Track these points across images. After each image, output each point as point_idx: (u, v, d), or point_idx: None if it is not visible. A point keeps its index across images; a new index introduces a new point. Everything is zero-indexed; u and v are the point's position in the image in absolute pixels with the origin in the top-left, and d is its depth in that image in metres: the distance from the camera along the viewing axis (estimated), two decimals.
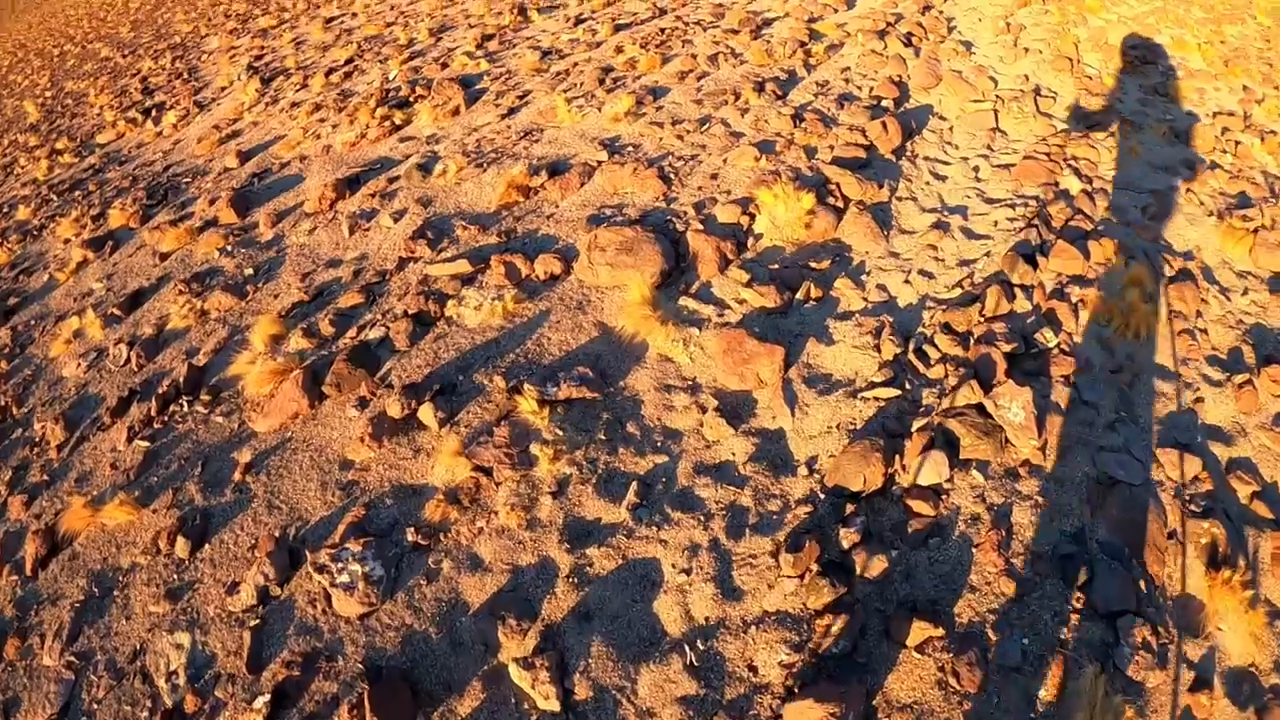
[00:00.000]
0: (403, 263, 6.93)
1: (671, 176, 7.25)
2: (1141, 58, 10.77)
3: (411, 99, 10.49)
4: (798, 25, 10.68)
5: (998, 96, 8.89)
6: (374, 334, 6.03)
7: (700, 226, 6.45)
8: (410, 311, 6.12)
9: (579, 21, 12.25)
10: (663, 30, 11.04)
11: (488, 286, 6.22)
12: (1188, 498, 4.55)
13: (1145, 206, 7.32)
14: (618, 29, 11.49)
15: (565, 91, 9.55)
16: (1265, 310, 6.39)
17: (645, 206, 6.99)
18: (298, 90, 12.47)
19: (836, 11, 11.52)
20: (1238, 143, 9.16)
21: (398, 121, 9.87)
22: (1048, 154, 7.68)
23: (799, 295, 5.83)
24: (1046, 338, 5.53)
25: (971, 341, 5.42)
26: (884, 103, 8.58)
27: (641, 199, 7.11)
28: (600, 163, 7.69)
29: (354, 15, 16.74)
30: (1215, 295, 6.42)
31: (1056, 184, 7.26)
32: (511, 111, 9.46)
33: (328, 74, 12.48)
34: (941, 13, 11.71)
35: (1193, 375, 5.54)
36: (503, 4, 13.91)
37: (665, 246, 6.17)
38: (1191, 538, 4.33)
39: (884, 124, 7.72)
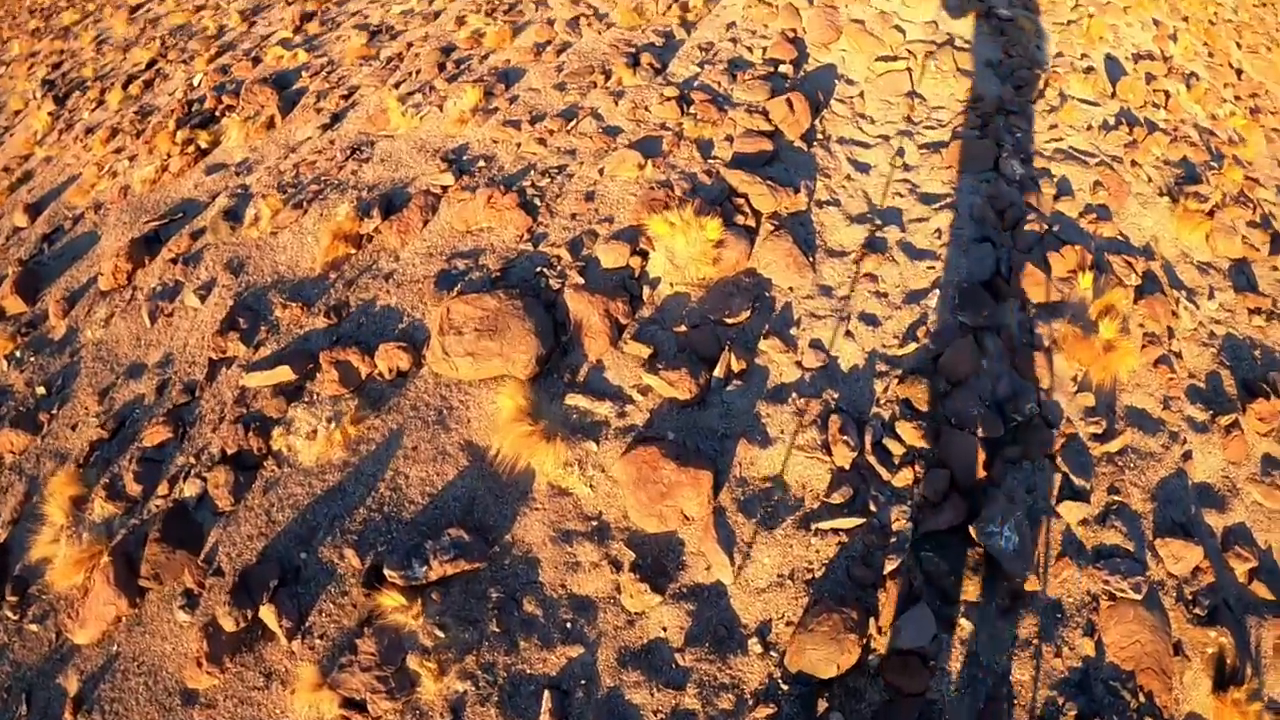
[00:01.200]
0: (214, 367, 5.37)
1: (536, 203, 5.84)
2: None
3: (218, 112, 8.49)
4: None
5: (909, 51, 7.84)
6: (190, 489, 4.68)
7: (580, 279, 5.13)
8: (229, 451, 4.66)
9: None
10: None
11: (320, 400, 4.77)
12: (1190, 598, 4.06)
13: (1095, 184, 6.42)
14: None
15: (398, 85, 7.85)
16: (1234, 315, 5.89)
17: (507, 251, 5.58)
18: (94, 109, 10.10)
19: None
20: (1166, 93, 8.47)
21: (203, 145, 7.94)
22: (980, 126, 6.65)
23: (717, 372, 4.66)
24: (1027, 413, 4.58)
25: (940, 422, 4.38)
26: (782, 68, 7.38)
27: (502, 238, 5.69)
28: (446, 189, 6.18)
29: (161, 0, 13.91)
30: (1184, 304, 5.82)
31: (997, 167, 6.27)
32: (335, 119, 7.69)
33: (126, 84, 10.14)
34: None
35: (1177, 422, 4.95)
36: None
37: (539, 318, 4.84)
38: (1196, 648, 3.89)
39: (788, 101, 6.53)
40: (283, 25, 10.21)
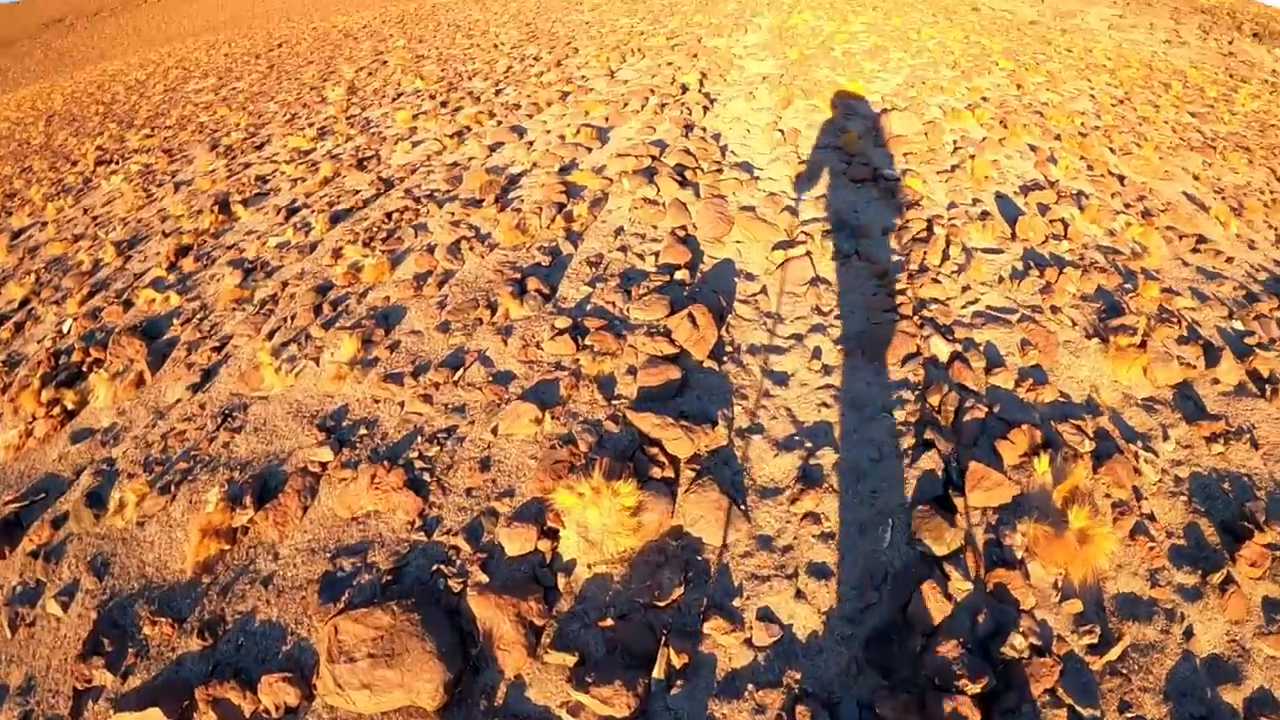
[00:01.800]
0: (79, 700, 4.49)
1: (426, 478, 5.26)
2: (930, 147, 10.13)
3: (86, 365, 7.86)
4: (550, 180, 9.21)
5: (805, 233, 7.70)
6: None
7: (484, 576, 4.50)
8: None
9: (291, 212, 10.04)
10: (389, 216, 9.13)
11: None
12: None
13: (1023, 344, 6.13)
14: (335, 219, 9.44)
15: (272, 335, 7.37)
16: (1193, 450, 5.53)
17: (398, 543, 4.94)
18: None
19: (590, 151, 10.17)
20: (1063, 221, 8.48)
21: (70, 406, 7.26)
22: (894, 309, 6.36)
23: (656, 673, 3.98)
24: (1016, 646, 3.97)
25: (923, 687, 3.76)
26: (678, 274, 7.14)
27: (391, 526, 5.06)
28: (325, 465, 5.58)
29: (43, 226, 13.51)
30: (1144, 457, 5.43)
31: (920, 353, 5.94)
32: (207, 376, 7.13)
33: None
34: (706, 130, 10.67)
35: (1170, 596, 4.48)
36: (203, 199, 11.41)
37: (442, 634, 4.17)
38: None
39: (690, 317, 6.19)
40: (158, 261, 9.74)
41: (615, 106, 12.12)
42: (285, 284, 8.31)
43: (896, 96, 13.12)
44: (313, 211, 9.85)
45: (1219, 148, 13.56)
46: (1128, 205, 9.57)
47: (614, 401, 5.67)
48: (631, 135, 10.88)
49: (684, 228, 7.95)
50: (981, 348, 6.18)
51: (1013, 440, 5.17)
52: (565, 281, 7.25)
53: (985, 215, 8.39)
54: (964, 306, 6.69)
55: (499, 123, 11.98)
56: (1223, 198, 10.80)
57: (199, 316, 8.23)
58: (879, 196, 8.66)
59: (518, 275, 7.32)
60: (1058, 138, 11.77)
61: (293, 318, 7.59)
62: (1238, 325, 7.10)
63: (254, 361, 6.97)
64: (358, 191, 10.17)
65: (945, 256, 7.32)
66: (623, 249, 7.66)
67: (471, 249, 7.96)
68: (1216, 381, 6.20)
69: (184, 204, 11.42)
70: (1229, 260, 8.56)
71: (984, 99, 13.69)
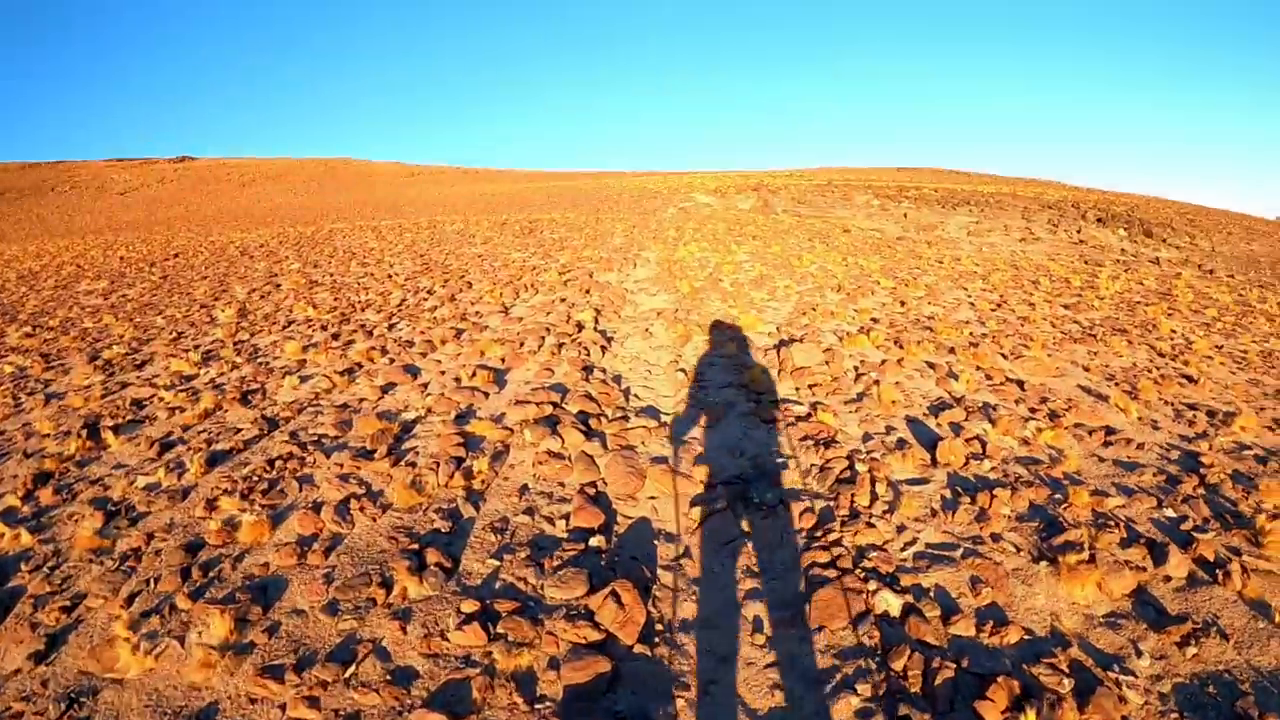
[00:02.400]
0: None
1: None
2: (833, 376, 10.29)
3: None
4: (446, 430, 8.88)
5: (723, 484, 7.39)
6: None
7: None
8: None
9: (165, 447, 9.08)
10: (271, 463, 8.37)
11: None
12: None
13: (973, 583, 5.81)
14: (213, 462, 8.54)
15: (132, 600, 6.29)
16: (1168, 659, 5.25)
17: None
18: None
19: (488, 396, 9.94)
20: (979, 439, 8.51)
21: None
22: (828, 564, 6.00)
23: None
24: None
25: None
26: (592, 540, 6.71)
27: None
28: None
29: None
30: (1125, 683, 5.03)
31: (871, 611, 5.54)
32: (53, 643, 5.92)
33: None
34: (606, 372, 10.62)
35: None
36: (73, 418, 10.31)
37: None
38: None
39: (614, 595, 5.70)
40: (14, 486, 8.46)
41: (511, 346, 12.09)
42: (151, 536, 7.25)
43: (791, 325, 13.59)
44: (189, 449, 8.90)
45: (1098, 334, 14.40)
46: (1033, 410, 9.79)
47: (537, 706, 4.96)
48: (530, 378, 10.76)
49: (594, 484, 7.59)
50: (932, 594, 5.83)
51: (992, 698, 4.72)
52: (469, 552, 6.65)
53: (903, 444, 8.38)
54: (903, 549, 6.41)
55: (391, 360, 11.73)
56: (1116, 384, 11.27)
57: (50, 564, 7.00)
58: (793, 436, 8.57)
59: (415, 545, 6.67)
60: (951, 350, 12.24)
61: (156, 580, 6.53)
62: (1169, 513, 7.13)
63: (108, 633, 5.85)
64: (239, 430, 9.40)
65: (874, 496, 7.12)
66: (529, 511, 7.18)
67: (362, 510, 7.31)
68: (1168, 579, 6.08)
69: (52, 421, 10.29)
70: (1140, 447, 8.83)
71: (874, 320, 14.34)
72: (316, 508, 7.35)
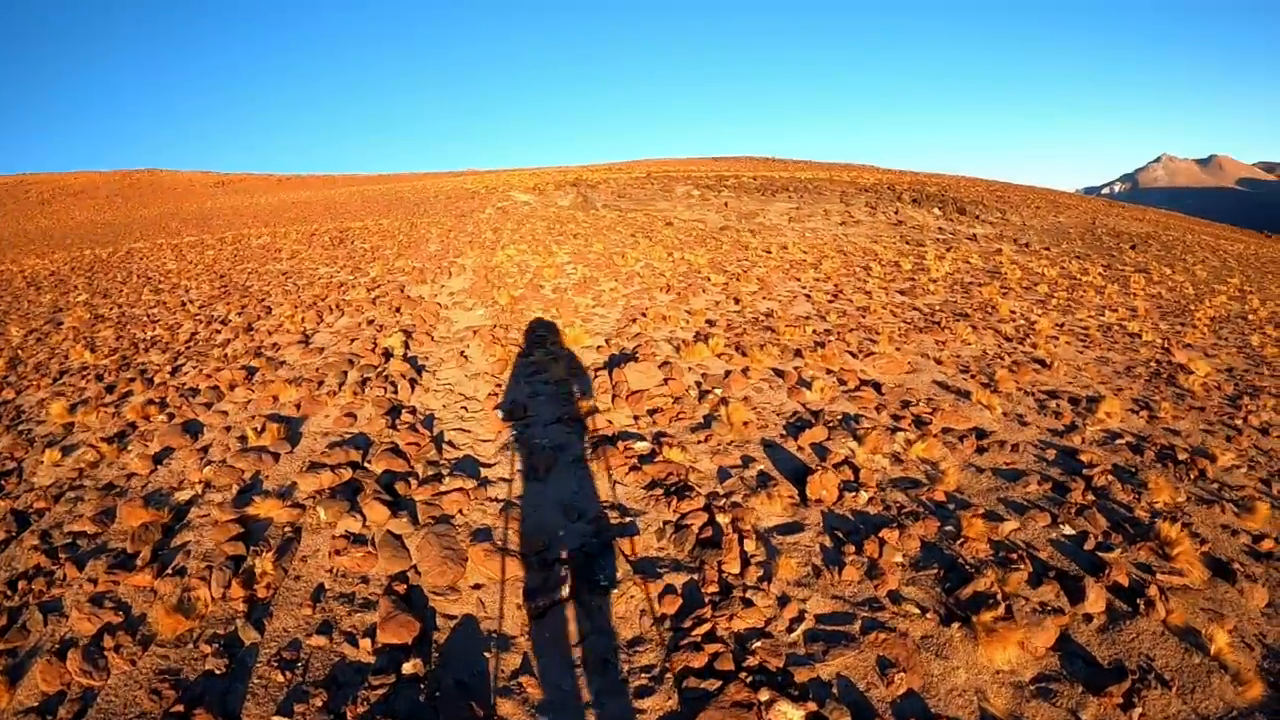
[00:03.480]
0: None
1: None
2: (674, 396, 9.19)
3: None
4: (224, 516, 7.14)
5: (559, 561, 6.23)
6: None
7: None
8: None
9: None
10: (14, 584, 6.29)
11: None
12: None
13: (882, 669, 4.86)
14: None
15: None
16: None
17: None
18: None
19: (277, 459, 8.28)
20: (849, 463, 7.69)
21: None
22: (705, 668, 4.85)
23: None
24: None
25: None
26: (406, 665, 5.32)
27: None
28: None
29: None
30: None
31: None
32: None
33: None
34: (416, 412, 9.21)
35: None
36: None
37: None
38: None
39: None
40: None
41: (309, 387, 10.25)
42: None
43: (621, 336, 12.45)
44: None
45: (941, 321, 14.17)
46: (897, 418, 9.15)
47: None
48: (328, 427, 9.04)
49: (404, 575, 6.10)
50: (837, 691, 4.80)
51: None
52: (250, 704, 5.00)
53: (765, 480, 7.41)
54: (790, 629, 5.34)
55: (171, 417, 9.61)
56: (972, 376, 10.94)
57: None
58: (638, 483, 7.36)
59: (181, 705, 4.95)
60: (798, 353, 11.49)
61: None
62: (1067, 530, 6.65)
63: None
64: None
65: (744, 559, 6.05)
66: (326, 628, 5.59)
67: (118, 649, 5.46)
68: (1089, 618, 5.51)
69: None
70: (1015, 449, 8.48)
71: (709, 323, 13.45)
72: (62, 651, 5.41)
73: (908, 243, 26.91)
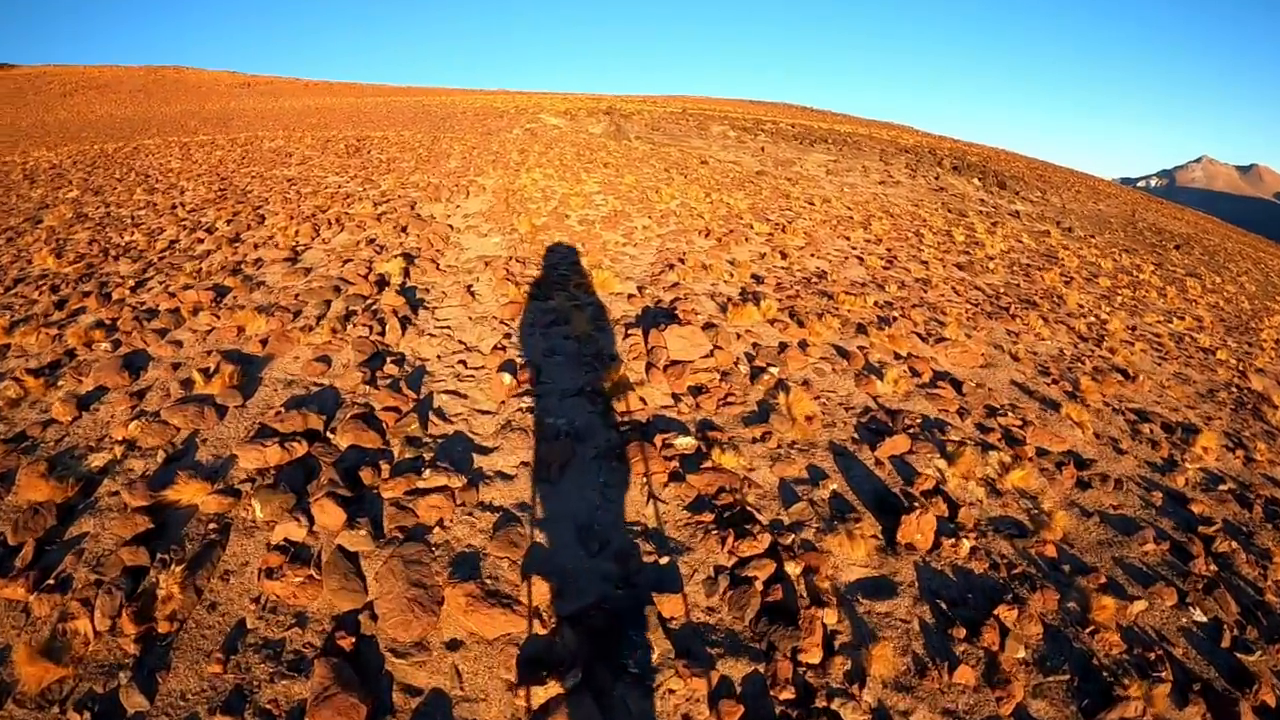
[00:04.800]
0: None
1: None
2: (721, 371, 7.34)
3: None
4: (135, 498, 5.41)
5: (564, 621, 4.31)
6: None
7: None
8: None
9: None
10: None
11: None
12: None
13: None
14: None
15: None
16: None
17: None
18: None
19: (222, 416, 6.63)
20: (941, 492, 5.86)
21: None
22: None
23: None
24: None
25: None
26: None
27: None
28: None
29: None
30: None
31: None
32: None
33: None
34: (404, 361, 7.41)
35: None
36: None
37: None
38: None
39: None
40: None
41: (282, 319, 8.36)
42: None
43: (656, 285, 10.48)
44: None
45: (1010, 308, 12.25)
46: (984, 429, 7.39)
47: None
48: (295, 373, 7.21)
49: (354, 620, 4.31)
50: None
51: None
52: None
53: (842, 509, 5.61)
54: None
55: (116, 344, 7.73)
56: (1053, 380, 9.12)
57: None
58: (680, 499, 5.51)
59: None
60: (861, 329, 9.57)
61: None
62: (1198, 615, 5.19)
63: None
64: None
65: (829, 648, 4.23)
66: (237, 702, 3.81)
67: None
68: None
69: None
70: (1118, 486, 6.85)
71: (756, 279, 11.47)
72: None
73: (951, 211, 24.64)
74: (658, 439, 6.12)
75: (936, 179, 33.34)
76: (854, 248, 15.28)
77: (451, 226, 13.66)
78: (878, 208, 21.95)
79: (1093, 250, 21.29)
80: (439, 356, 7.81)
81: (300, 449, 5.71)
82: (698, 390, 7.11)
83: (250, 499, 5.13)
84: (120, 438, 5.96)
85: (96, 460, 5.63)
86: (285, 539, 4.82)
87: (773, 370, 7.66)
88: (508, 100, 62.68)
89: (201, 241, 12.18)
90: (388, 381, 7.04)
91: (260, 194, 16.61)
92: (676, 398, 6.97)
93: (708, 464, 5.85)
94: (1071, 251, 19.90)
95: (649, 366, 7.32)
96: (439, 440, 6.17)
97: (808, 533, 5.26)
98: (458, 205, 15.56)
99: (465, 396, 6.95)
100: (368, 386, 6.93)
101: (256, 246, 11.84)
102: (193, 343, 7.86)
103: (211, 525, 4.96)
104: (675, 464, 5.83)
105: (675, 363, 7.40)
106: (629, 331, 8.26)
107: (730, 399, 7.01)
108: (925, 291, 12.47)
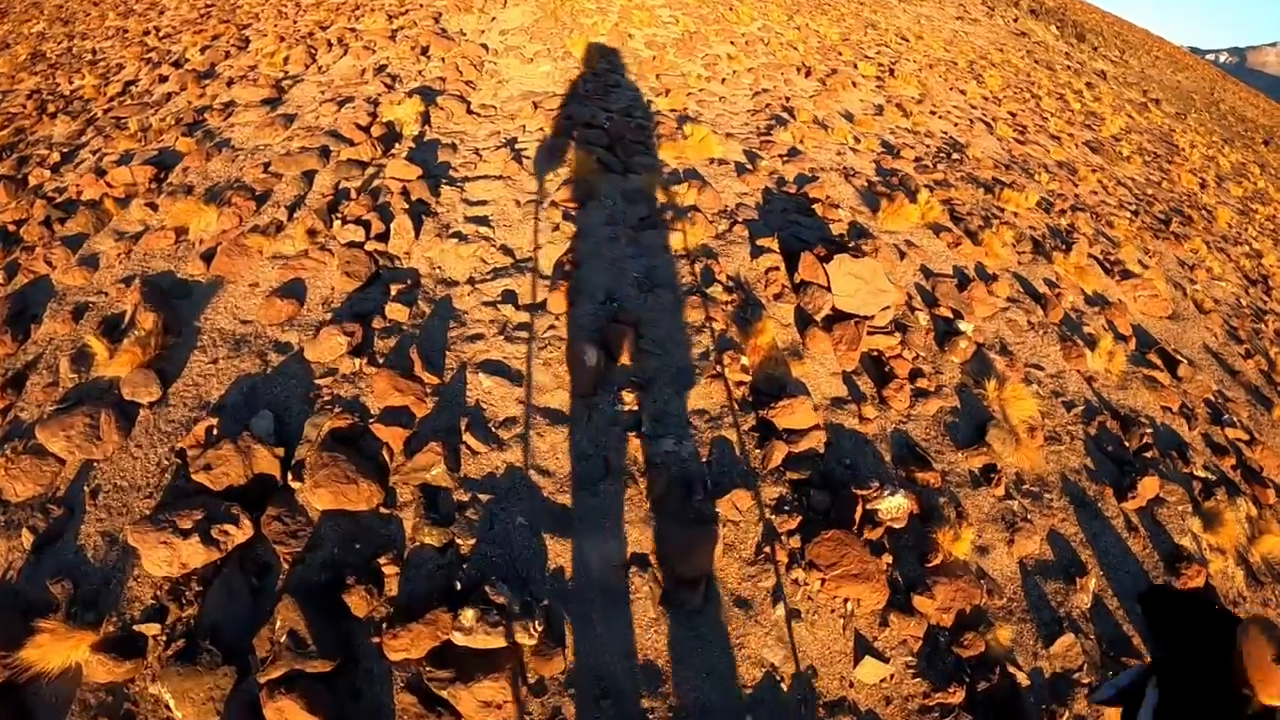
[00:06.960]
0: None
1: None
2: (900, 332, 4.75)
3: None
4: None
5: None
6: None
7: None
8: None
9: None
10: None
11: None
12: None
13: None
14: None
15: None
16: None
17: None
18: None
19: (106, 461, 3.80)
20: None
21: None
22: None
23: None
24: None
25: None
26: None
27: None
28: None
29: None
30: None
31: None
32: None
33: None
34: (411, 283, 4.71)
35: None
36: None
37: None
38: None
39: None
40: None
41: (240, 210, 5.39)
42: None
43: (770, 152, 7.63)
44: None
45: (1171, 223, 9.53)
46: (1215, 446, 5.28)
47: None
48: (247, 316, 4.42)
49: None
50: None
51: None
52: None
53: (1110, 635, 3.37)
54: None
55: (10, 272, 4.90)
56: (1247, 353, 6.80)
57: None
58: (902, 645, 3.16)
59: None
60: (1040, 250, 6.93)
61: None
62: None
63: None
64: None
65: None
66: None
67: None
68: None
69: None
70: None
71: (887, 149, 8.56)
72: None
73: (1037, 62, 20.85)
74: (855, 496, 3.50)
75: (1015, 21, 28.78)
76: (974, 107, 12.10)
77: (485, 47, 10.18)
78: (972, 51, 18.28)
79: (1196, 135, 18.04)
80: (472, 281, 4.91)
81: (238, 535, 3.07)
82: (878, 365, 4.61)
83: (159, 682, 2.65)
84: None
85: None
86: None
87: (963, 327, 5.11)
88: None
89: (165, 79, 8.68)
90: (391, 345, 4.25)
91: (250, 9, 12.36)
92: (850, 383, 4.47)
93: (933, 555, 3.41)
94: (1186, 140, 16.69)
95: (805, 320, 4.73)
96: (482, 500, 3.45)
97: (1079, 703, 3.06)
98: (493, 17, 11.67)
99: (518, 379, 4.15)
100: (356, 359, 4.11)
101: (231, 83, 8.24)
102: (113, 259, 4.94)
103: None
104: (887, 563, 3.31)
105: (842, 316, 4.80)
106: (757, 248, 5.48)
107: (922, 385, 4.52)
108: (1076, 185, 9.60)
